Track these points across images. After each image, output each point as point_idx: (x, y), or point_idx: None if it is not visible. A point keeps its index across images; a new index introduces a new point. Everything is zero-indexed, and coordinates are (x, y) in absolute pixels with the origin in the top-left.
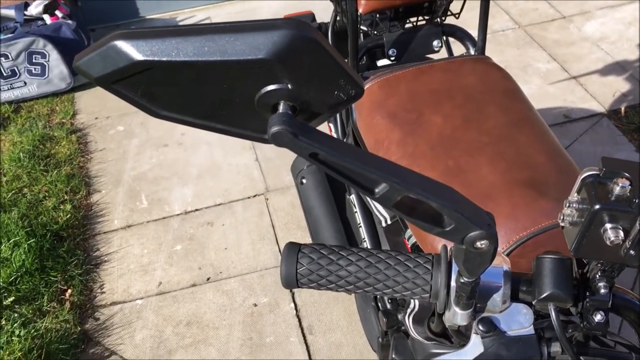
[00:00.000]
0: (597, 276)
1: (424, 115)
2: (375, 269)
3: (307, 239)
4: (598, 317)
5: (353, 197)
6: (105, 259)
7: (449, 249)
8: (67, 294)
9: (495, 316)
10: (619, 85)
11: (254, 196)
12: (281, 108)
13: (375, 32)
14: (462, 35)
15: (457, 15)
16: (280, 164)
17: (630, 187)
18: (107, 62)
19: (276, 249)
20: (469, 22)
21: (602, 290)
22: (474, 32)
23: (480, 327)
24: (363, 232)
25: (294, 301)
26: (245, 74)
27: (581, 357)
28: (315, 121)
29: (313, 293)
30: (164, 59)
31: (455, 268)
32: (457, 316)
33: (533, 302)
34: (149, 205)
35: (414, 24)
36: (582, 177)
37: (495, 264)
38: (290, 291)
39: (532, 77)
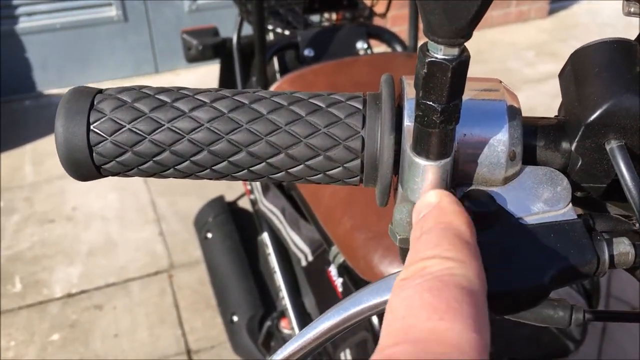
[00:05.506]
0: None
1: None
2: (250, 112)
3: (217, 320)
4: None
5: (265, 236)
6: None
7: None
8: None
9: (495, 191)
10: None
11: (155, 273)
12: None
13: (288, 32)
14: (389, 37)
15: (384, 15)
16: (189, 238)
17: None
18: None
19: (179, 333)
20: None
21: None
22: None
23: (468, 208)
24: (278, 279)
25: None
26: None
27: None
28: None
29: None
30: None
31: (408, 95)
32: (415, 183)
33: (572, 149)
34: (23, 289)
35: (333, 22)
36: None
37: (490, 95)
38: None
39: None
